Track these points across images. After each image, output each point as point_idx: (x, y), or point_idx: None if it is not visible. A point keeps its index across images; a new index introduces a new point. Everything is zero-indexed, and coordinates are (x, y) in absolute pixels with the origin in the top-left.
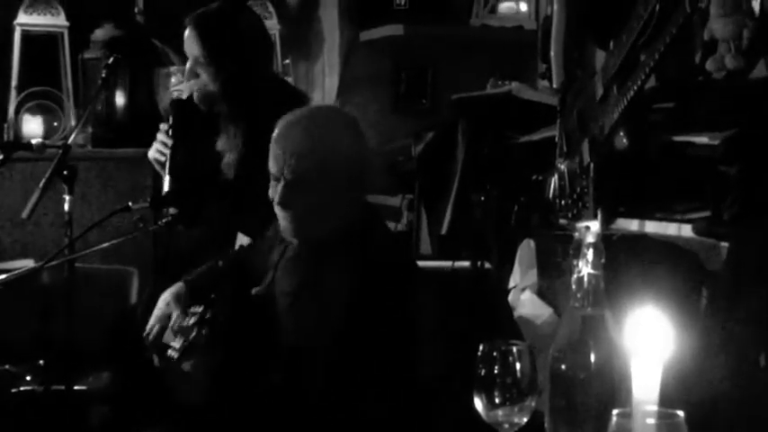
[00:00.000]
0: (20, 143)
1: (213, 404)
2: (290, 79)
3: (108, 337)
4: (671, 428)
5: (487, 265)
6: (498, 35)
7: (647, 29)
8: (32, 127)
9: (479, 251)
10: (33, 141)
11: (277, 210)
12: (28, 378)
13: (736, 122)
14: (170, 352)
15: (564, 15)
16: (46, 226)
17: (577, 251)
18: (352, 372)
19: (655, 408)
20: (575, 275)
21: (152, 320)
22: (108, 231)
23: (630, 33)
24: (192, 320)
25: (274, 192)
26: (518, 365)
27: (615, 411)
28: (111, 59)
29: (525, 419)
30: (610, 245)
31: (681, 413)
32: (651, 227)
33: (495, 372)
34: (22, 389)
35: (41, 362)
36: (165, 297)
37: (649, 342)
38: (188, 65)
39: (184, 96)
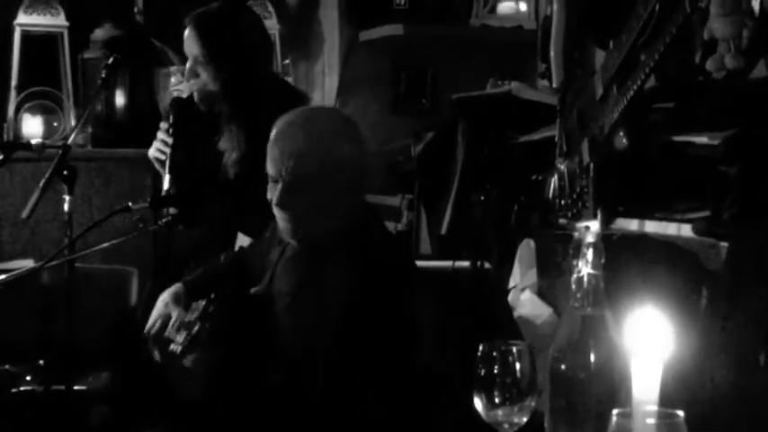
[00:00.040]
0: (20, 143)
1: (213, 404)
2: (290, 79)
3: (108, 337)
4: (671, 428)
5: (487, 265)
6: (498, 35)
7: (646, 29)
8: (32, 127)
9: (479, 251)
10: (33, 141)
11: (275, 211)
12: (28, 378)
13: (736, 122)
14: (173, 346)
15: (564, 15)
16: (46, 226)
17: (577, 251)
18: (351, 372)
19: (655, 408)
20: (575, 275)
21: (152, 319)
22: (108, 231)
23: (630, 33)
24: (195, 315)
25: (272, 193)
26: (518, 365)
27: (615, 411)
28: (111, 59)
29: (525, 419)
30: (610, 245)
31: (681, 413)
32: (651, 227)
33: (495, 372)
34: (22, 389)
35: (41, 362)
36: (164, 297)
37: (649, 342)
38: (188, 64)
39: (184, 96)
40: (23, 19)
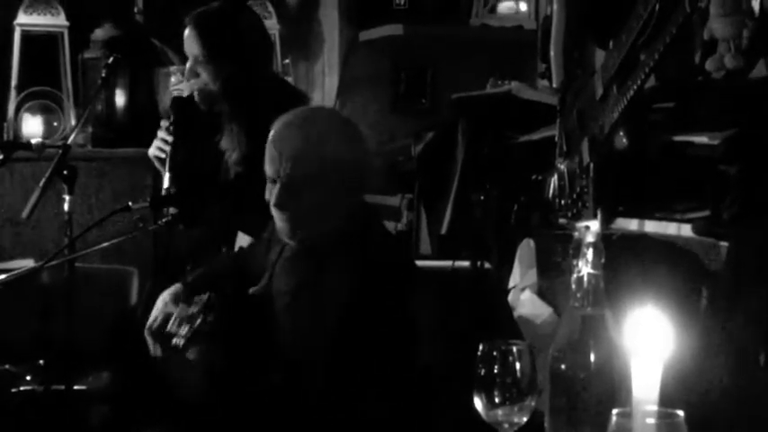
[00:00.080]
0: (20, 143)
1: (213, 404)
2: (290, 79)
3: (108, 337)
4: (671, 428)
5: (487, 265)
6: (498, 35)
7: (646, 28)
8: (32, 127)
9: (479, 251)
10: (33, 141)
11: (273, 211)
12: (28, 378)
13: (736, 122)
14: (175, 340)
15: (564, 15)
16: (46, 226)
17: (577, 251)
18: (351, 372)
19: (655, 408)
20: (575, 275)
21: (152, 317)
22: (108, 231)
23: (630, 33)
24: (197, 308)
25: (270, 193)
26: (518, 365)
27: (615, 411)
28: (111, 59)
29: (525, 419)
30: (610, 245)
31: (681, 413)
32: (651, 227)
33: (495, 371)
34: (22, 389)
35: (41, 362)
36: (164, 297)
37: (649, 342)
38: (188, 64)
39: (185, 96)
40: (23, 19)
